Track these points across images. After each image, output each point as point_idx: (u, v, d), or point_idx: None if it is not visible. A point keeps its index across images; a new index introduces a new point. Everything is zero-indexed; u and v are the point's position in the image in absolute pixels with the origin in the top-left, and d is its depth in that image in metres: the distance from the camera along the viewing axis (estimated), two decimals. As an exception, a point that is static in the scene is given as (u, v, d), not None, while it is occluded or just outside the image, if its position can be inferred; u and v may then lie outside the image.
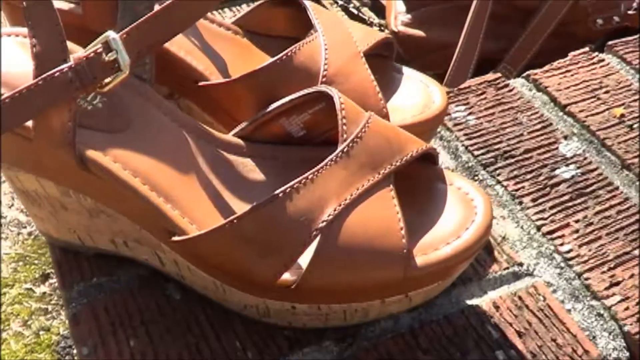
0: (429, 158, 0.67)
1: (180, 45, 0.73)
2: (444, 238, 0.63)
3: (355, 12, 1.23)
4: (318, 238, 0.60)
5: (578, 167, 0.80)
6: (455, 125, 0.85)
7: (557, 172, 0.80)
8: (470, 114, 0.86)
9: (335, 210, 0.60)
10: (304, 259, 0.60)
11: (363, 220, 0.61)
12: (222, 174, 0.67)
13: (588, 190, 0.78)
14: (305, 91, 0.67)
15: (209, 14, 0.77)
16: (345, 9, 1.24)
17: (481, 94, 0.89)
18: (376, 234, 0.60)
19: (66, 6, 0.73)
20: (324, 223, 0.60)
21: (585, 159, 0.81)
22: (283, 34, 0.80)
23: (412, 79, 0.77)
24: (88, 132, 0.63)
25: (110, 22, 0.64)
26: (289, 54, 0.71)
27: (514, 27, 1.11)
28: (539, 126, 0.85)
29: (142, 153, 0.64)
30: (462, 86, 0.90)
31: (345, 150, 0.62)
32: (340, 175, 0.62)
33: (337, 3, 1.25)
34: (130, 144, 0.64)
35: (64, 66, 0.58)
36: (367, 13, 1.25)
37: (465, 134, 0.84)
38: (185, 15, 0.62)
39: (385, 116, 0.70)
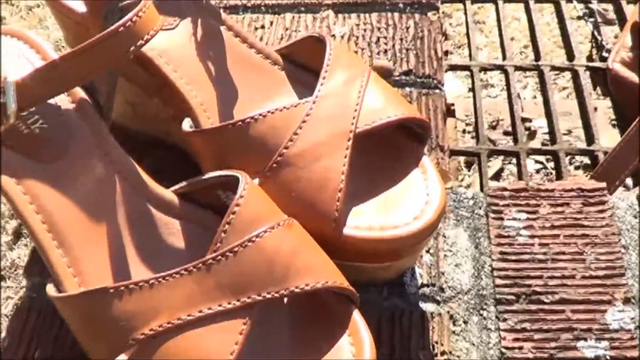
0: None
1: (184, 73, 0.68)
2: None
3: (591, 28, 1.06)
4: (133, 349, 0.54)
5: (612, 348, 0.63)
6: (499, 236, 0.70)
7: (580, 343, 0.64)
8: (527, 227, 0.70)
9: (161, 326, 0.54)
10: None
11: (191, 348, 0.54)
12: (138, 231, 0.62)
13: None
14: (222, 173, 0.61)
15: (251, 38, 0.71)
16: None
17: (562, 204, 0.72)
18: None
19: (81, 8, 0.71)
20: (143, 336, 0.54)
21: (631, 337, 0.64)
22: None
23: (419, 178, 0.65)
24: (15, 156, 0.62)
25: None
26: (255, 117, 0.63)
27: None
28: (602, 273, 0.67)
29: (57, 190, 0.61)
30: (544, 186, 0.73)
31: (207, 263, 0.54)
32: (187, 290, 0.54)
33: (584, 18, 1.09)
34: (51, 177, 0.61)
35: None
36: (606, 34, 1.07)
37: (503, 253, 0.69)
38: (92, 66, 0.57)
39: (335, 221, 0.60)
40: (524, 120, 1.45)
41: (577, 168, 1.38)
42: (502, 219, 0.71)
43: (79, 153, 0.62)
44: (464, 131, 1.45)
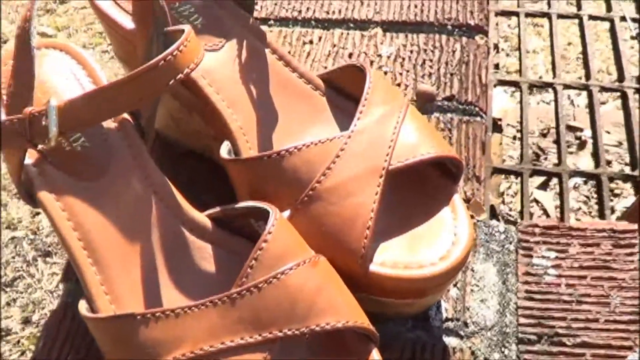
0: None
1: (226, 95, 0.69)
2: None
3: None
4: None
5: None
6: (527, 274, 0.71)
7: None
8: (555, 266, 0.71)
9: (184, 355, 0.56)
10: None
11: (211, 380, 0.56)
12: (172, 253, 0.64)
13: None
14: (254, 204, 0.62)
15: (295, 62, 0.72)
16: None
17: (592, 244, 0.72)
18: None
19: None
20: (166, 365, 0.56)
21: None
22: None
23: (449, 217, 0.65)
24: (56, 172, 0.64)
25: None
26: (290, 150, 0.64)
27: None
28: (627, 318, 0.68)
29: (96, 208, 0.63)
30: (576, 225, 0.74)
31: (232, 297, 0.56)
32: (211, 322, 0.56)
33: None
34: (89, 195, 0.63)
35: (14, 117, 0.59)
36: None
37: (529, 292, 0.70)
38: (131, 98, 0.59)
39: (362, 257, 0.61)
40: (574, 129, 1.44)
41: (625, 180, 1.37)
42: (531, 256, 0.71)
43: (119, 172, 0.64)
44: (514, 137, 1.45)
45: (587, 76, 1.07)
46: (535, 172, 0.98)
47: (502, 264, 0.71)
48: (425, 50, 0.87)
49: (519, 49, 1.08)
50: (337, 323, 0.56)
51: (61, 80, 0.69)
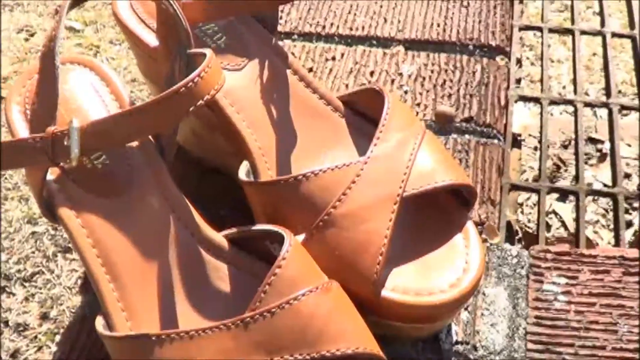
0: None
1: (247, 115, 0.71)
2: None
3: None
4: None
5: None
6: (537, 300, 0.72)
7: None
8: (565, 292, 0.72)
9: (197, 377, 0.57)
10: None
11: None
12: (188, 272, 0.65)
13: None
14: (270, 227, 0.64)
15: (315, 82, 0.73)
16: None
17: (602, 271, 0.73)
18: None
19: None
20: (178, 386, 0.57)
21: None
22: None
23: (461, 244, 0.67)
24: (77, 189, 0.66)
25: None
26: (307, 175, 0.66)
27: None
28: (633, 346, 0.69)
29: (114, 225, 0.65)
30: (586, 251, 0.74)
31: (245, 321, 0.58)
32: (224, 345, 0.58)
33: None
34: (109, 212, 0.65)
35: (37, 135, 0.61)
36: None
37: (538, 317, 0.71)
38: (151, 123, 0.61)
39: (374, 283, 0.63)
40: (595, 141, 1.44)
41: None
42: (542, 281, 0.72)
43: (138, 190, 0.66)
44: (535, 148, 1.45)
45: (608, 94, 1.07)
46: (553, 190, 0.98)
47: (513, 289, 0.73)
48: (446, 71, 0.88)
49: (541, 61, 1.08)
50: (347, 349, 0.58)
51: (84, 98, 0.70)
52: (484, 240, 0.74)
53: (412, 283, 0.64)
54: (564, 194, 1.35)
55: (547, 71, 1.07)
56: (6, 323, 1.03)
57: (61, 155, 0.60)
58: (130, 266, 0.64)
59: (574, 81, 1.07)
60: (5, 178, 1.56)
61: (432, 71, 0.88)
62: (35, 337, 1.18)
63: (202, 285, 0.65)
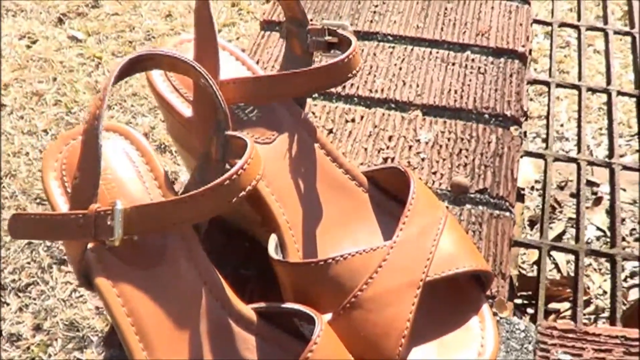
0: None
1: (275, 189, 0.74)
2: None
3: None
4: None
5: None
6: (541, 377, 0.76)
7: None
8: (570, 371, 0.76)
9: None
10: None
11: None
12: (217, 342, 0.68)
13: None
14: (300, 307, 0.67)
15: (341, 158, 0.76)
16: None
17: (605, 350, 0.77)
18: None
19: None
20: None
21: None
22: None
23: (477, 327, 0.70)
24: (114, 260, 0.68)
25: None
26: (336, 258, 0.69)
27: None
28: None
29: (148, 295, 0.67)
30: (592, 330, 0.78)
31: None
32: None
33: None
34: (143, 283, 0.68)
35: (80, 212, 0.64)
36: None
37: (541, 395, 0.75)
38: (193, 214, 0.63)
39: (395, 368, 0.66)
40: (591, 184, 1.49)
41: (636, 240, 1.41)
42: (548, 358, 0.76)
43: (172, 263, 0.69)
44: (532, 188, 1.49)
45: (611, 154, 1.10)
46: (554, 248, 1.02)
47: (521, 363, 0.76)
48: (462, 139, 0.91)
49: (547, 120, 1.11)
50: None
51: (121, 169, 0.73)
52: (494, 314, 0.78)
53: None
54: (559, 236, 1.39)
55: (552, 128, 1.10)
56: None
57: (104, 233, 0.63)
58: (162, 335, 0.66)
59: (578, 140, 1.10)
60: (3, 187, 1.58)
61: (448, 139, 0.91)
62: (28, 347, 1.21)
63: (231, 355, 0.68)
